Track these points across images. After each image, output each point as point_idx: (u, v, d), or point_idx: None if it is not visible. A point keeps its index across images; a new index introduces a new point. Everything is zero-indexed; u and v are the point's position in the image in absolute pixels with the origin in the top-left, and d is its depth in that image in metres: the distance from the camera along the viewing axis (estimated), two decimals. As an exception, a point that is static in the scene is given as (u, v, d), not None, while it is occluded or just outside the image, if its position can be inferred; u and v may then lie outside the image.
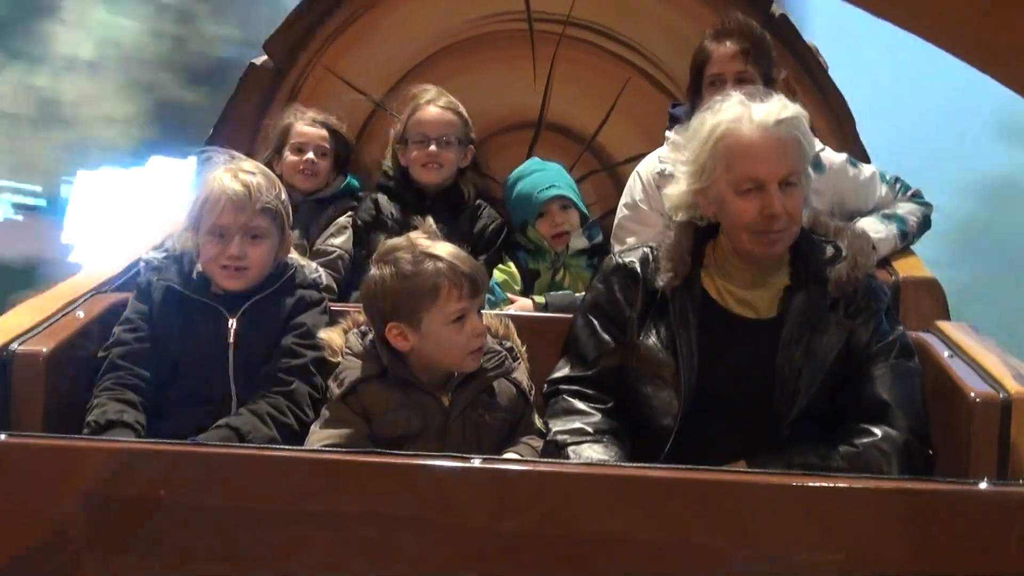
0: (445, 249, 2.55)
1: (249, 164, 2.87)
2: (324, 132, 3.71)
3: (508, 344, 2.72)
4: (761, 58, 3.32)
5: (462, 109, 3.70)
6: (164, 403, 2.75)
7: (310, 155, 3.66)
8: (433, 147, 3.61)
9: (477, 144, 3.75)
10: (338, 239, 3.60)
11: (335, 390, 2.58)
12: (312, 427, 2.60)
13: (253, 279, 2.79)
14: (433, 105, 3.65)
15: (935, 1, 0.92)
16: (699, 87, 3.41)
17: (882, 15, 1.02)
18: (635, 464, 2.47)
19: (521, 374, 2.68)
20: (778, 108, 2.57)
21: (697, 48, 3.44)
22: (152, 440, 2.37)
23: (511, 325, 2.76)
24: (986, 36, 0.94)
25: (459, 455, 2.35)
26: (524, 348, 2.74)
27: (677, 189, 2.69)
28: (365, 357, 2.61)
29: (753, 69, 3.30)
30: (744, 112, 2.57)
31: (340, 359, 2.65)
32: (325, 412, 2.59)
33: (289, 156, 3.67)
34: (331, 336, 2.69)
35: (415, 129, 3.63)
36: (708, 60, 3.38)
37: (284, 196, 2.85)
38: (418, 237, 2.60)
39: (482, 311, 2.63)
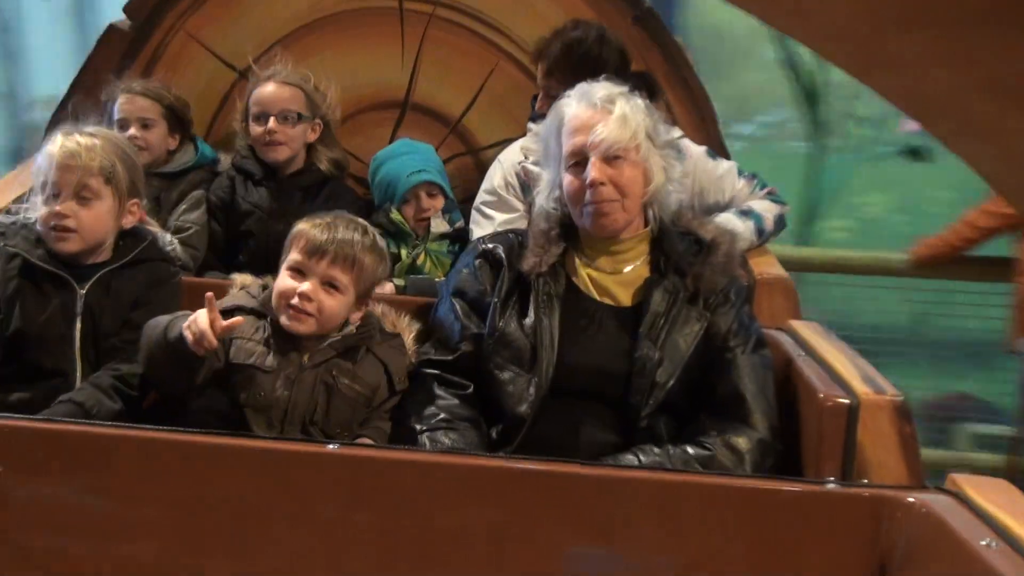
0: (336, 221, 2.62)
1: (93, 128, 2.79)
2: (146, 102, 3.50)
3: (395, 332, 2.74)
4: (569, 70, 3.31)
5: (305, 83, 3.56)
6: (5, 375, 2.64)
7: (131, 131, 3.44)
8: (272, 123, 3.48)
9: (330, 119, 3.62)
10: (193, 214, 3.47)
11: None
12: None
13: (84, 243, 2.69)
14: (272, 80, 3.53)
15: (818, 14, 0.92)
16: None
17: (762, 17, 1.02)
18: (487, 454, 2.46)
19: (392, 357, 2.67)
20: (610, 86, 2.65)
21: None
22: (-9, 414, 2.28)
23: (405, 318, 2.80)
24: (866, 48, 0.95)
25: (313, 440, 2.33)
26: (414, 347, 2.75)
27: (543, 177, 2.73)
28: (254, 295, 2.66)
29: (559, 85, 3.24)
30: (576, 91, 2.67)
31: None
32: None
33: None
34: (245, 278, 2.75)
35: (255, 107, 3.51)
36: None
37: (130, 163, 2.77)
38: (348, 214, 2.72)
39: (338, 290, 2.59)
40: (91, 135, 2.73)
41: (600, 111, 2.61)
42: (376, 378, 2.62)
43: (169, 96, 3.57)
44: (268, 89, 3.52)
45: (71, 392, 2.57)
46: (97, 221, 2.70)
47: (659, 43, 3.83)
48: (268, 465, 2.09)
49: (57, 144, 2.69)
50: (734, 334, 2.61)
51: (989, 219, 4.54)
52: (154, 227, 2.87)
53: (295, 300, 2.54)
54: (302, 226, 2.61)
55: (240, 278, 2.75)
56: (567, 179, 2.63)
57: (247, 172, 3.55)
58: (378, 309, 2.77)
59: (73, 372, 2.64)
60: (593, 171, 2.58)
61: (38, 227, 2.71)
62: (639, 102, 2.66)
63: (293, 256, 2.58)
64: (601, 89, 2.65)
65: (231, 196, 3.53)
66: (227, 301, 2.63)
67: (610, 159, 2.59)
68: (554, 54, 3.37)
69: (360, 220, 2.71)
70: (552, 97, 3.13)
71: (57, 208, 2.66)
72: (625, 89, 2.67)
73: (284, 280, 2.57)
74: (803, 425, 2.51)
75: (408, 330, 2.78)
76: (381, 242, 2.70)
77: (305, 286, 2.54)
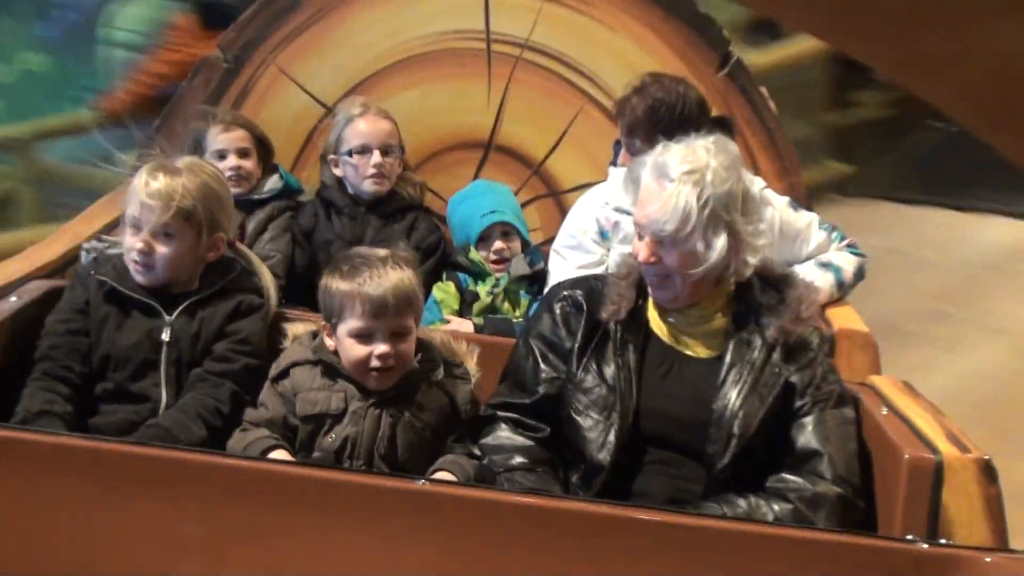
0: (374, 269, 2.57)
1: (182, 162, 2.81)
2: (242, 132, 3.57)
3: (459, 362, 2.72)
4: (653, 130, 3.25)
5: (393, 116, 3.63)
6: (93, 398, 2.69)
7: (233, 160, 3.52)
8: (377, 156, 3.53)
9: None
10: (278, 242, 3.52)
11: (273, 373, 2.66)
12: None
13: (163, 276, 2.74)
14: (368, 113, 3.58)
15: (954, 72, 0.92)
16: None
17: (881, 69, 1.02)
18: (567, 497, 2.46)
19: (457, 387, 2.67)
20: (687, 155, 2.53)
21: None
22: (82, 436, 2.33)
23: (475, 351, 2.76)
24: (992, 110, 0.95)
25: (397, 474, 2.35)
26: (478, 374, 2.74)
27: (623, 227, 2.73)
28: (306, 344, 2.68)
29: (643, 144, 3.22)
30: (655, 154, 2.58)
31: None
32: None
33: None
34: (296, 328, 2.77)
35: (355, 139, 3.55)
36: None
37: (214, 198, 2.78)
38: (367, 251, 2.67)
39: (406, 333, 2.59)
40: (176, 173, 2.74)
41: (660, 188, 2.52)
42: (441, 408, 2.63)
43: (257, 126, 3.65)
44: (369, 123, 3.56)
45: (158, 417, 2.61)
46: (175, 258, 2.74)
47: (744, 92, 3.84)
48: (352, 498, 2.11)
49: (142, 180, 2.72)
50: (816, 388, 2.57)
51: (163, 66, 5.19)
52: (255, 262, 2.92)
53: (375, 363, 2.55)
54: (345, 286, 2.56)
55: (292, 329, 2.76)
56: (634, 242, 2.62)
57: (330, 202, 3.60)
58: (437, 338, 2.76)
59: (159, 398, 2.68)
60: (643, 250, 2.56)
61: (124, 256, 2.76)
62: (709, 176, 2.50)
63: (354, 323, 2.55)
64: (674, 160, 2.53)
65: (313, 226, 3.58)
66: (283, 360, 2.66)
67: (660, 241, 2.55)
68: (637, 114, 3.34)
69: (380, 250, 2.67)
70: (635, 155, 3.15)
71: (138, 244, 2.71)
72: (702, 163, 2.51)
73: (354, 349, 2.56)
74: (885, 483, 2.48)
75: (469, 355, 2.76)
76: (407, 254, 2.69)
77: (381, 349, 2.55)
